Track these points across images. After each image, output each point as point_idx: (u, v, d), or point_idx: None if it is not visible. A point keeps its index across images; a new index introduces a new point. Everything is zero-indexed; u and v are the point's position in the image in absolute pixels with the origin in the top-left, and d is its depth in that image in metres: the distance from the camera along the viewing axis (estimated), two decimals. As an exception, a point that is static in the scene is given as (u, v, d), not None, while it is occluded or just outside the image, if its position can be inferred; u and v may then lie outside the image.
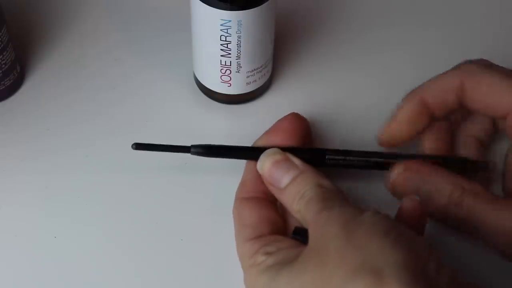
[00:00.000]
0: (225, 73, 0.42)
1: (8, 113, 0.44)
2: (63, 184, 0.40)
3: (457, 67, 0.38)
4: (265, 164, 0.35)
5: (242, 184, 0.37)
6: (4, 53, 0.42)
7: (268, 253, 0.32)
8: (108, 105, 0.45)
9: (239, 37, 0.40)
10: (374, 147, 0.39)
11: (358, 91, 0.46)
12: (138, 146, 0.37)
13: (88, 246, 0.38)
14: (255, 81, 0.44)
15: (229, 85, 0.43)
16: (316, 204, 0.31)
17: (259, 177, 0.35)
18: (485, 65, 0.37)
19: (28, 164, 0.41)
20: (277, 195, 0.34)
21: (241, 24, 0.39)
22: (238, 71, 0.42)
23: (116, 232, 0.38)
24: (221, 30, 0.39)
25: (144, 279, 0.37)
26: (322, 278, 0.28)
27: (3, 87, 0.44)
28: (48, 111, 0.44)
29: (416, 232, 0.33)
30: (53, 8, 0.51)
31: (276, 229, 0.35)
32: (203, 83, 0.44)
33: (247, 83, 0.43)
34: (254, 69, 0.43)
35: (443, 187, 0.35)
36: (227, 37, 0.40)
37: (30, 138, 0.43)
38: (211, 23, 0.39)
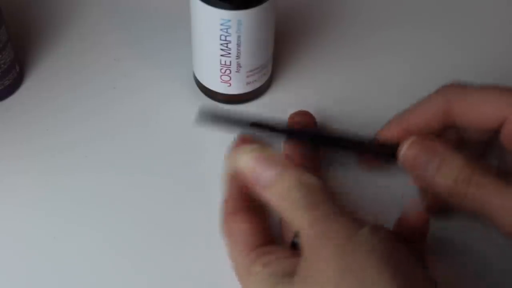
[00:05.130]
0: (225, 73, 0.42)
1: (7, 113, 0.44)
2: (63, 184, 0.40)
3: (438, 90, 0.37)
4: (244, 161, 0.33)
5: (226, 202, 0.35)
6: (3, 53, 0.42)
7: (264, 264, 0.31)
8: (107, 105, 0.45)
9: (239, 37, 0.40)
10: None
11: (358, 91, 0.46)
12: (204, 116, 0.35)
13: (87, 246, 0.38)
14: (255, 81, 0.43)
15: (229, 85, 0.43)
16: (305, 211, 0.30)
17: (240, 190, 0.34)
18: (465, 84, 0.36)
19: (27, 164, 0.41)
20: (261, 193, 0.33)
21: (241, 24, 0.39)
22: (238, 71, 0.42)
23: (115, 232, 0.38)
24: (221, 30, 0.39)
25: (144, 279, 0.37)
26: None
27: (2, 87, 0.44)
28: (47, 111, 0.44)
29: (419, 239, 0.33)
30: (52, 8, 0.51)
31: (269, 238, 0.34)
32: (203, 83, 0.44)
33: (247, 83, 0.43)
34: (254, 69, 0.43)
35: (453, 161, 0.34)
36: (227, 37, 0.40)
37: (29, 138, 0.43)
38: (211, 23, 0.39)
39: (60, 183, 0.40)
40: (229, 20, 0.39)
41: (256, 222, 0.34)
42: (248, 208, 0.35)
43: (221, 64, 0.42)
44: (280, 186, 0.32)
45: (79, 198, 0.40)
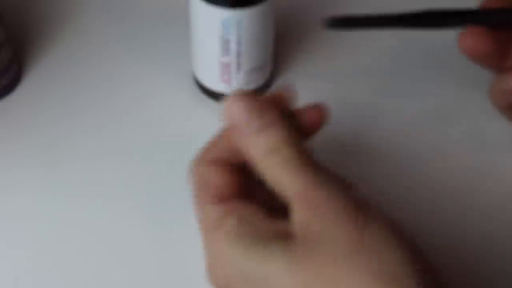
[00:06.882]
0: (225, 72, 0.42)
1: (5, 112, 0.44)
2: (61, 183, 0.40)
3: None
4: (235, 104, 0.29)
5: (209, 145, 0.32)
6: (1, 52, 0.42)
7: (240, 220, 0.29)
8: (106, 105, 0.45)
9: (239, 36, 0.40)
10: (375, 147, 0.39)
11: (358, 90, 0.46)
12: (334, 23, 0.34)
13: (88, 243, 0.38)
14: (255, 80, 0.43)
15: (229, 84, 0.43)
16: (301, 172, 0.28)
17: (230, 143, 0.31)
18: None
19: (25, 163, 0.41)
20: (240, 139, 0.29)
21: (241, 23, 0.39)
22: (238, 70, 0.42)
23: (115, 228, 0.38)
24: (221, 29, 0.39)
25: (144, 277, 0.37)
26: (327, 280, 0.26)
27: (0, 86, 0.44)
28: (45, 110, 0.44)
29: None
30: (50, 7, 0.51)
31: (245, 195, 0.31)
32: (203, 83, 0.44)
33: (247, 82, 0.43)
34: (254, 68, 0.42)
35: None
36: (227, 36, 0.40)
37: (27, 137, 0.43)
38: (211, 22, 0.39)
39: (57, 183, 0.40)
40: (230, 20, 0.39)
41: (233, 176, 0.31)
42: (230, 159, 0.31)
43: (221, 63, 0.41)
44: (265, 140, 0.29)
45: (77, 198, 0.40)
